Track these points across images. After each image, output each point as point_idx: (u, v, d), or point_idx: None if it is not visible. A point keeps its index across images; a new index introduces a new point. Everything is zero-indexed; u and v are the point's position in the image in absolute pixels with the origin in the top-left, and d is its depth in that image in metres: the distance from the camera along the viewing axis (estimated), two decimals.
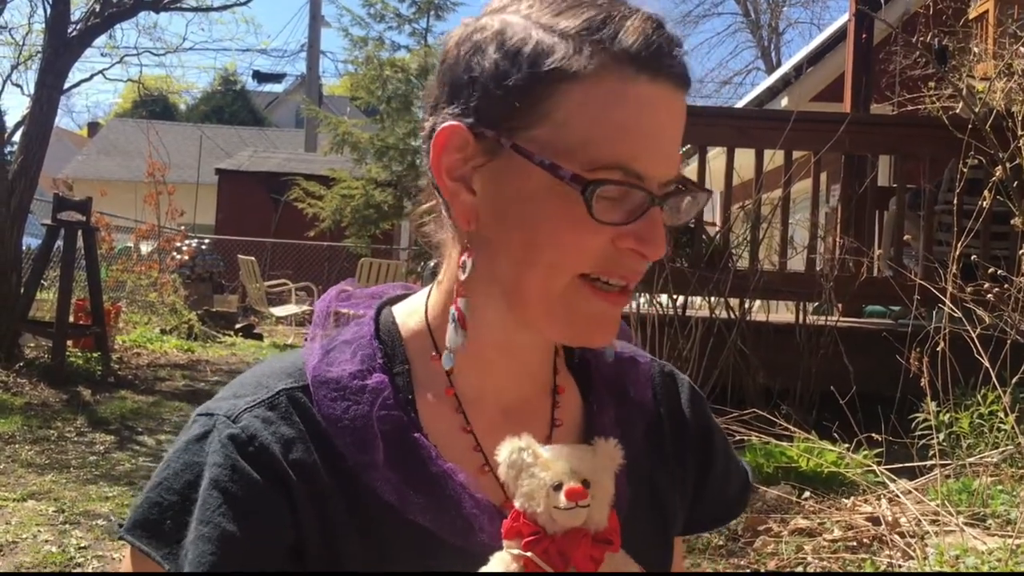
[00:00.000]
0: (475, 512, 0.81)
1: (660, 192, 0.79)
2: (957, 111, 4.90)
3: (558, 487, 0.73)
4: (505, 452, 0.77)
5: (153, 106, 29.33)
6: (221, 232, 18.67)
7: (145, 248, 13.15)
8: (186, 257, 13.70)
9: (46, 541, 3.75)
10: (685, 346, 5.34)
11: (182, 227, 14.48)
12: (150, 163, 12.94)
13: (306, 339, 0.90)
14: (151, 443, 5.74)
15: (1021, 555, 3.05)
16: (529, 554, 0.71)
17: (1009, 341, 4.15)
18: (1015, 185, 4.08)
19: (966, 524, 3.59)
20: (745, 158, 6.03)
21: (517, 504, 0.75)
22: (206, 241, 16.15)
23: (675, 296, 5.55)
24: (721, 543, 3.64)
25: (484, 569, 0.74)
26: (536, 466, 0.75)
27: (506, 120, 0.79)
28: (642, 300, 5.54)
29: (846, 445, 4.35)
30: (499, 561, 0.74)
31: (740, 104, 14.95)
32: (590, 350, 0.94)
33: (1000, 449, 4.10)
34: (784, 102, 12.23)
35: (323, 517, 0.80)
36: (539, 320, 0.83)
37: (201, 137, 22.93)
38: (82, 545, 3.71)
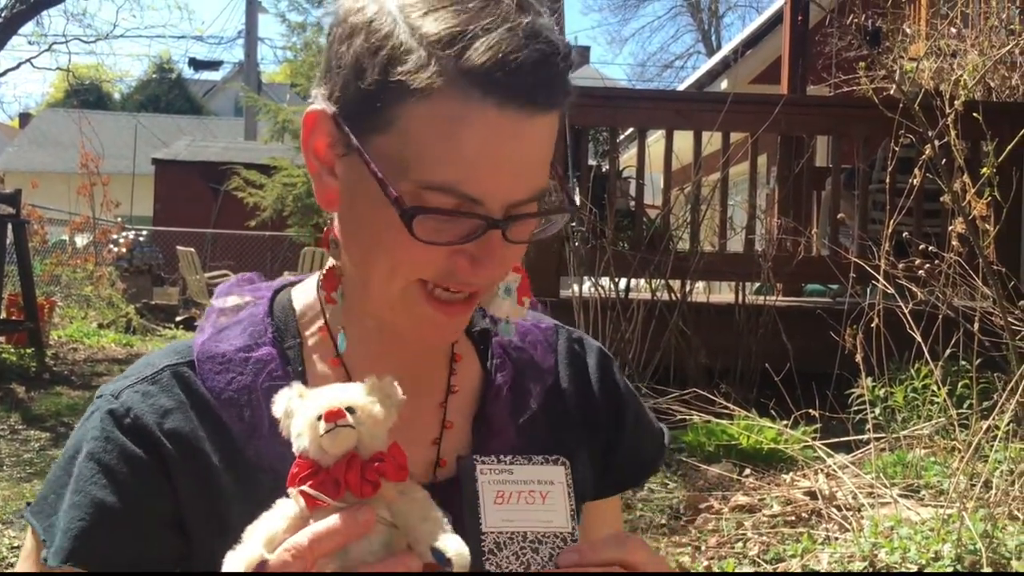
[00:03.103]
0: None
1: (503, 214, 0.78)
2: (890, 92, 4.98)
3: (320, 417, 0.73)
4: (279, 403, 0.78)
5: (86, 95, 28.65)
6: (159, 223, 18.34)
7: (80, 241, 12.87)
8: (123, 250, 13.44)
9: None
10: (627, 329, 5.38)
11: (118, 219, 14.19)
12: (83, 154, 12.65)
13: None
14: (84, 416, 5.62)
15: (952, 524, 3.13)
16: (305, 487, 0.72)
17: (940, 316, 4.25)
18: (943, 163, 4.16)
19: (900, 496, 3.67)
20: (684, 141, 6.07)
21: (295, 448, 0.75)
22: (143, 233, 15.86)
23: (616, 279, 5.58)
24: (663, 522, 3.68)
25: (265, 514, 0.75)
26: (302, 405, 0.76)
27: (358, 118, 0.79)
28: (585, 284, 5.56)
29: (785, 422, 4.42)
30: (280, 505, 0.74)
31: (681, 87, 15.08)
32: (491, 319, 0.95)
33: (933, 422, 4.20)
34: (724, 85, 12.36)
35: (207, 486, 0.82)
36: (382, 313, 0.85)
37: (136, 126, 22.46)
38: (15, 545, 3.63)
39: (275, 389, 0.84)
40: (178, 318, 12.45)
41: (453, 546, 0.72)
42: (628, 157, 9.12)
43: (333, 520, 0.70)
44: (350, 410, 0.74)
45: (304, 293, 0.94)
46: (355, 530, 0.71)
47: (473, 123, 0.75)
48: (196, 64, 34.01)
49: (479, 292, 0.84)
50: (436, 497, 0.84)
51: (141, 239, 15.20)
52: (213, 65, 34.38)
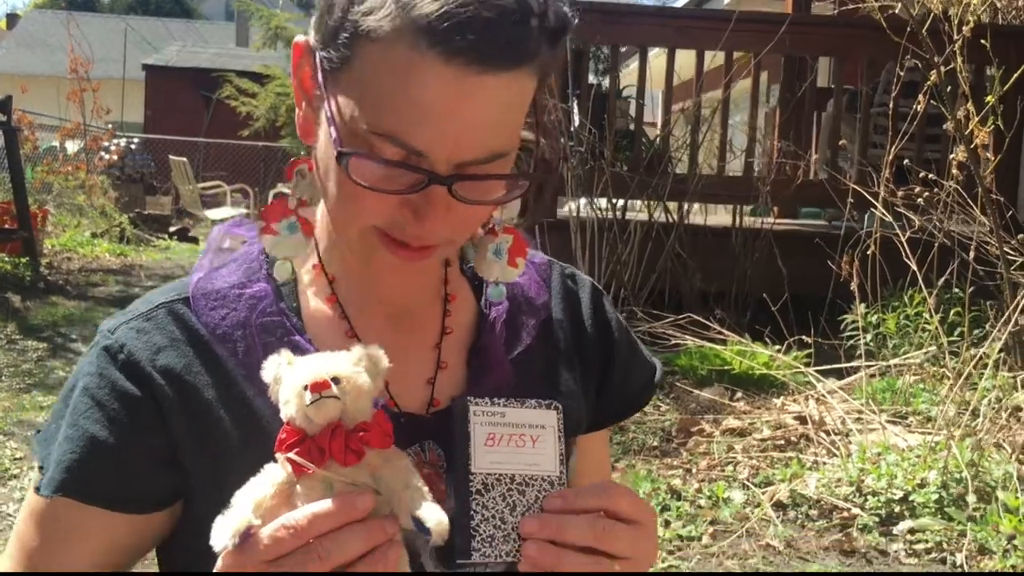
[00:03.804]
0: None
1: (450, 171, 0.76)
2: (896, 11, 4.89)
3: (306, 387, 0.75)
4: (268, 369, 0.79)
5: None
6: (150, 131, 18.09)
7: (71, 147, 12.71)
8: (114, 157, 13.29)
9: None
10: (624, 251, 5.38)
11: (109, 125, 13.98)
12: (72, 59, 12.40)
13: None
14: (84, 350, 5.65)
15: (940, 451, 3.19)
16: (291, 454, 0.74)
17: (936, 244, 4.26)
18: (948, 90, 4.11)
19: (888, 422, 3.73)
20: (686, 59, 5.98)
21: (282, 415, 0.77)
22: (135, 140, 15.69)
23: (614, 200, 5.56)
24: (655, 444, 3.75)
25: (253, 479, 0.76)
26: (290, 373, 0.77)
27: (329, 54, 0.79)
28: (581, 203, 5.54)
29: (778, 347, 4.47)
30: (268, 470, 0.76)
31: (682, 2, 14.75)
32: (485, 284, 0.96)
33: (924, 350, 4.24)
34: (726, 0, 12.11)
35: (201, 421, 0.84)
36: (348, 250, 0.87)
37: (126, 30, 21.99)
38: (16, 456, 3.68)
39: (269, 324, 0.86)
40: (171, 228, 12.39)
41: (434, 516, 0.74)
42: (628, 72, 9.00)
43: (331, 504, 0.73)
44: (335, 380, 0.75)
45: None
46: (352, 515, 0.73)
47: (419, 74, 0.73)
48: None
49: (435, 246, 0.83)
50: (429, 430, 0.86)
51: (133, 147, 15.06)
52: None
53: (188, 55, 20.20)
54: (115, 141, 13.48)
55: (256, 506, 0.74)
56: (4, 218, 8.24)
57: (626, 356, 1.02)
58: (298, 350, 0.83)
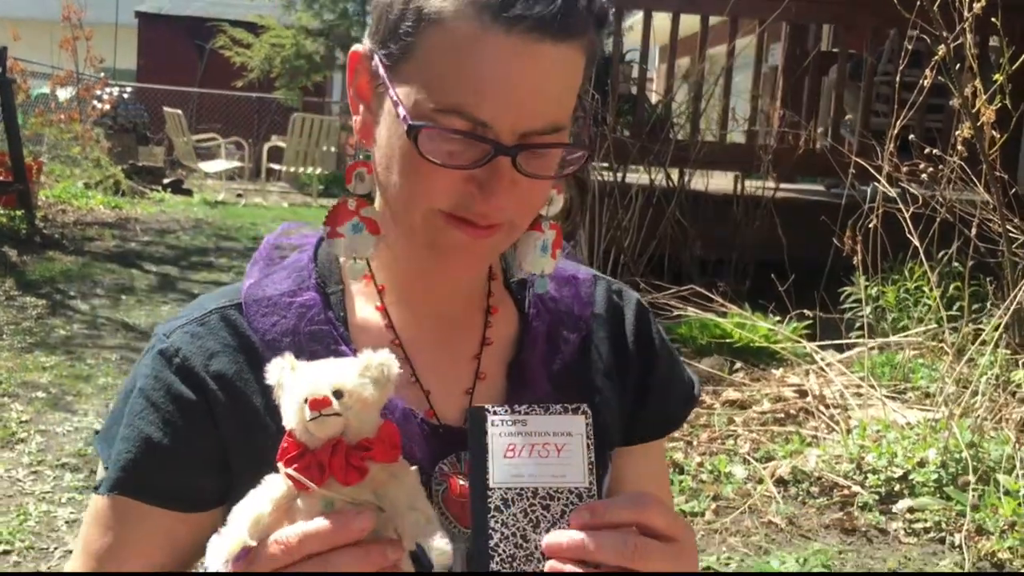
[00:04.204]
0: (398, 420, 0.83)
1: (513, 142, 0.78)
2: None
3: (307, 401, 0.72)
4: (271, 372, 0.77)
5: None
6: (143, 80, 17.85)
7: (63, 95, 12.54)
8: (107, 107, 13.14)
9: None
10: (624, 216, 5.38)
11: (102, 74, 13.81)
12: (65, 5, 12.20)
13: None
14: (85, 308, 5.66)
15: (940, 431, 3.24)
16: (289, 470, 0.72)
17: (939, 218, 4.28)
18: (956, 67, 4.10)
19: (887, 397, 3.78)
20: (689, 16, 5.94)
21: (284, 423, 0.75)
22: (128, 90, 15.50)
23: (616, 166, 5.55)
24: None
25: (253, 492, 0.74)
26: (293, 383, 0.75)
27: (388, 50, 0.82)
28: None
29: (777, 319, 4.50)
30: (268, 483, 0.74)
31: None
32: (530, 277, 0.96)
33: (923, 327, 4.28)
34: None
35: (250, 425, 0.85)
36: (410, 241, 0.87)
37: None
38: (23, 419, 3.69)
39: (317, 333, 0.87)
40: (165, 180, 12.31)
41: (436, 545, 0.71)
42: (632, 23, 8.91)
43: (326, 523, 0.71)
44: (338, 394, 0.72)
45: None
46: (346, 537, 0.71)
47: (483, 47, 0.76)
48: None
49: (499, 225, 0.83)
50: (466, 440, 0.82)
51: (125, 96, 14.88)
52: None
53: (182, 2, 19.89)
54: (108, 90, 13.32)
55: (253, 524, 0.72)
56: None
57: (665, 375, 1.02)
58: None
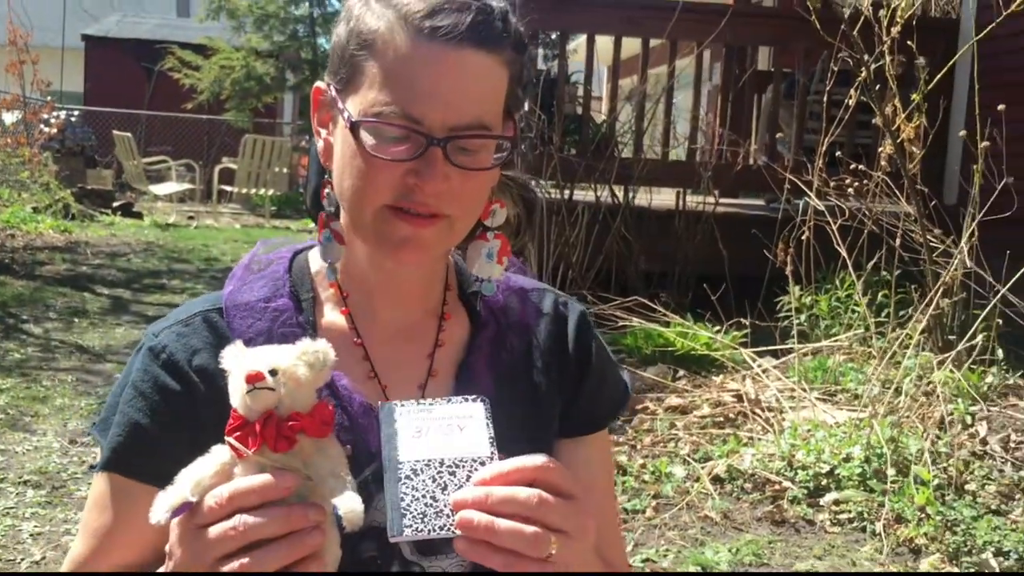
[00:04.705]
0: (356, 411, 0.98)
1: (443, 135, 0.92)
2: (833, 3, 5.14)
3: (245, 377, 0.83)
4: (226, 359, 0.87)
5: None
6: (90, 103, 17.75)
7: (8, 119, 12.44)
8: (54, 130, 13.06)
9: None
10: (572, 233, 5.57)
11: (48, 98, 13.72)
12: (11, 29, 12.13)
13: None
14: (38, 331, 5.69)
15: (864, 428, 3.45)
16: (229, 439, 0.84)
17: (866, 230, 4.52)
18: (877, 88, 4.36)
19: (819, 399, 3.99)
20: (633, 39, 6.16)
21: (231, 400, 0.85)
22: (75, 113, 15.40)
23: (563, 185, 5.74)
24: None
25: (200, 459, 0.86)
26: (237, 364, 0.85)
27: (341, 81, 0.97)
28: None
29: (717, 328, 4.71)
30: (215, 451, 0.86)
31: None
32: (479, 284, 1.10)
33: (853, 331, 4.51)
34: None
35: (224, 415, 0.94)
36: (366, 242, 1.01)
37: (65, 0, 21.45)
38: None
39: (289, 335, 1.00)
40: (115, 204, 12.27)
41: (345, 503, 0.80)
42: (576, 46, 9.14)
43: (257, 480, 0.80)
44: (273, 372, 0.82)
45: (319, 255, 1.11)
46: (272, 493, 0.80)
47: (411, 56, 0.92)
48: None
49: (438, 217, 0.95)
50: None
51: (73, 119, 14.78)
52: None
53: (129, 25, 19.80)
54: (55, 114, 13.24)
55: (195, 484, 0.81)
56: None
57: (597, 381, 1.15)
58: None
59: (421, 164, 0.92)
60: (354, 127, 0.93)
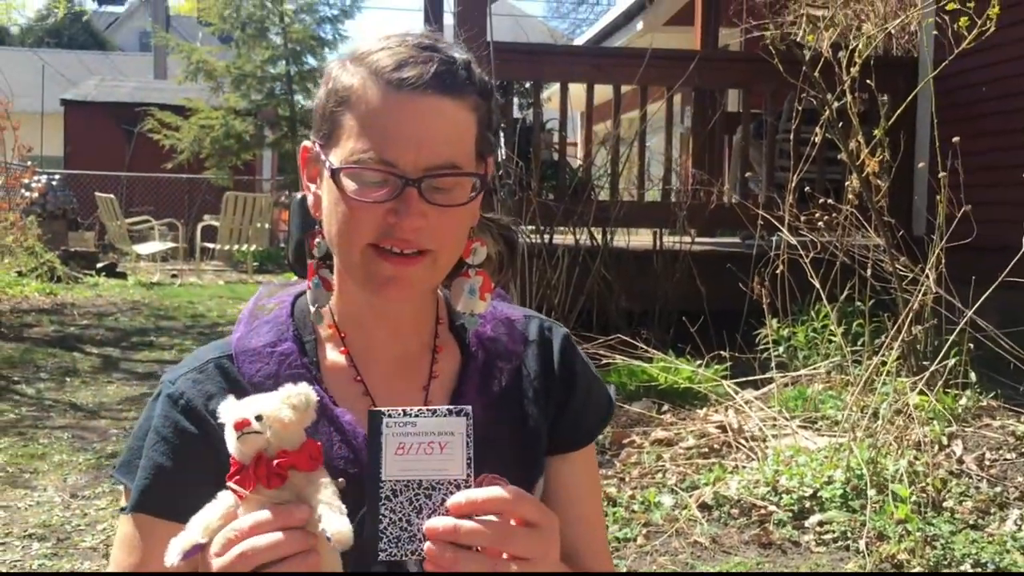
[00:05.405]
0: (360, 444, 1.04)
1: (417, 175, 1.00)
2: (798, 38, 5.35)
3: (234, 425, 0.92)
4: (222, 411, 0.96)
5: None
6: (71, 166, 17.86)
7: None
8: (36, 194, 13.15)
9: None
10: (553, 276, 5.71)
11: (29, 163, 13.83)
12: None
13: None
14: (31, 392, 5.74)
15: (843, 452, 3.57)
16: (230, 484, 0.94)
17: (838, 262, 4.69)
18: (840, 125, 4.55)
19: (800, 427, 4.12)
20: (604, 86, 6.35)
21: (229, 450, 0.94)
22: (56, 177, 15.49)
23: (542, 228, 5.89)
24: None
25: (207, 505, 0.94)
26: (229, 414, 0.94)
27: (323, 137, 1.07)
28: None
29: (699, 362, 4.84)
30: (220, 497, 0.96)
31: (597, 26, 15.25)
32: (465, 317, 1.19)
33: (830, 360, 4.65)
34: (639, 26, 12.63)
35: None
36: (355, 282, 1.08)
37: (44, 67, 21.68)
38: None
39: (294, 376, 1.09)
40: (99, 265, 12.34)
41: (332, 525, 0.87)
42: (550, 94, 9.36)
43: (268, 514, 0.90)
44: (259, 417, 0.91)
45: None
46: (287, 523, 0.90)
47: (383, 106, 1.00)
48: None
49: (421, 256, 1.03)
50: None
51: (54, 183, 14.88)
52: None
53: (108, 89, 20.00)
54: (37, 179, 13.34)
55: (204, 528, 0.90)
56: None
57: (582, 400, 1.22)
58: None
59: (399, 204, 1.00)
60: (335, 174, 1.02)
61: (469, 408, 0.92)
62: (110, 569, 1.11)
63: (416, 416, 0.91)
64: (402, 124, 1.00)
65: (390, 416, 0.91)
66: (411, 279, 1.04)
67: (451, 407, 0.92)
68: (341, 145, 1.03)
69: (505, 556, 0.91)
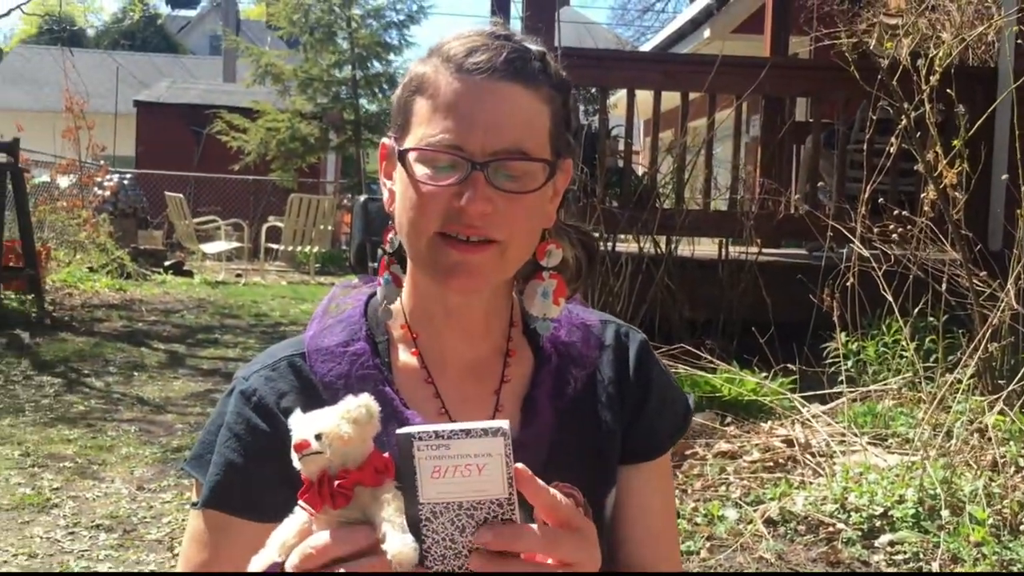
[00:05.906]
0: None
1: (484, 159, 1.00)
2: (871, 47, 5.22)
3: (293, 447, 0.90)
4: (291, 424, 0.97)
5: (60, 32, 28.12)
6: (141, 166, 18.31)
7: (64, 183, 12.90)
8: (108, 193, 13.50)
9: (19, 484, 3.92)
10: (616, 283, 5.66)
11: (102, 162, 14.19)
12: (67, 96, 12.62)
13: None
14: (100, 385, 5.87)
15: (916, 471, 3.47)
16: (301, 502, 0.92)
17: (911, 276, 4.56)
18: (918, 136, 4.43)
19: (869, 444, 4.01)
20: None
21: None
22: (128, 176, 15.88)
23: (606, 235, 5.84)
24: None
25: (284, 521, 0.94)
26: (293, 433, 0.92)
27: (399, 129, 1.07)
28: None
29: (764, 374, 4.75)
30: (296, 513, 0.94)
31: (663, 34, 15.14)
32: (538, 321, 1.15)
33: (901, 375, 4.53)
34: (707, 33, 12.49)
35: None
36: (423, 273, 1.07)
37: (118, 68, 22.24)
38: (55, 486, 3.89)
39: (366, 376, 1.08)
40: (167, 263, 12.59)
41: (393, 546, 0.84)
42: (615, 100, 9.30)
43: (325, 537, 0.89)
44: (319, 436, 0.88)
45: None
46: (346, 548, 0.88)
47: (453, 92, 1.01)
48: (174, 2, 33.48)
49: (492, 243, 1.01)
50: None
51: (126, 182, 15.25)
52: (191, 2, 33.85)
53: (178, 91, 20.46)
54: (109, 177, 13.68)
55: (281, 546, 0.90)
56: (9, 256, 8.46)
57: (657, 407, 1.18)
58: (384, 399, 1.05)
59: (465, 187, 0.99)
60: (403, 157, 1.03)
61: (506, 425, 0.85)
62: (180, 563, 1.11)
63: (449, 439, 0.85)
64: (470, 107, 1.00)
65: (420, 439, 0.84)
66: (476, 267, 1.02)
67: (486, 426, 0.85)
68: (412, 132, 1.04)
69: (550, 561, 0.88)
